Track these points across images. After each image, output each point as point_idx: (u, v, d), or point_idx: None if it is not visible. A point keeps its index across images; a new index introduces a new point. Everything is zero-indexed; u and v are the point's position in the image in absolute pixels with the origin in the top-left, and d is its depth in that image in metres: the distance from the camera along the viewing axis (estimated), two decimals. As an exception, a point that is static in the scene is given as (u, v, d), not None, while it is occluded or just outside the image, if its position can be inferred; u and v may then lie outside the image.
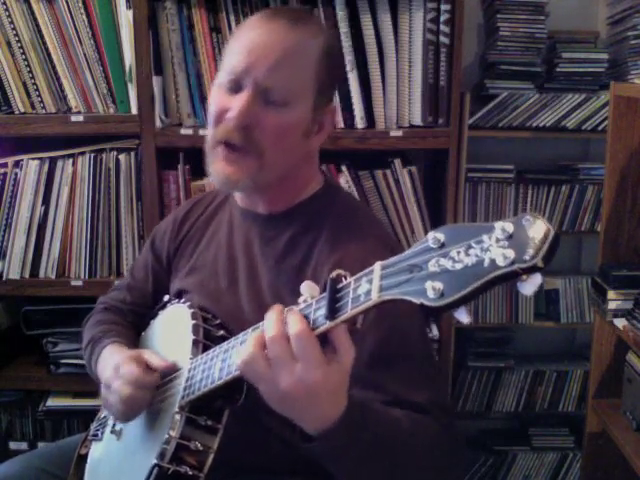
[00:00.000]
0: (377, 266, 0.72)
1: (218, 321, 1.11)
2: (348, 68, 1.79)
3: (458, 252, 0.65)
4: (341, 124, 1.82)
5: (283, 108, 1.05)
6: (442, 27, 1.78)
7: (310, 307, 0.79)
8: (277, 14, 1.10)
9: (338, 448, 0.83)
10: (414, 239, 1.88)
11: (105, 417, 1.27)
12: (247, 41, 1.06)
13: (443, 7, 1.76)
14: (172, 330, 1.17)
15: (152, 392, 1.06)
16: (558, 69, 2.02)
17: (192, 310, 1.11)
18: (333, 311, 0.75)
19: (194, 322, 1.08)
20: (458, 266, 0.64)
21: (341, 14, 1.77)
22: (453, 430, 1.00)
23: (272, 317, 0.79)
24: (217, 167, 1.09)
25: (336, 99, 1.04)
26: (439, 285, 0.64)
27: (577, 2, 2.14)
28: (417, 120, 1.84)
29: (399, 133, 1.82)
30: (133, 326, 1.31)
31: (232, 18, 1.79)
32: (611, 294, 1.73)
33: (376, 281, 0.71)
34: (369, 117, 1.83)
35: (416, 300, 0.66)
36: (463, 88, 1.87)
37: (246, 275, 1.15)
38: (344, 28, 1.77)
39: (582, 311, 2.15)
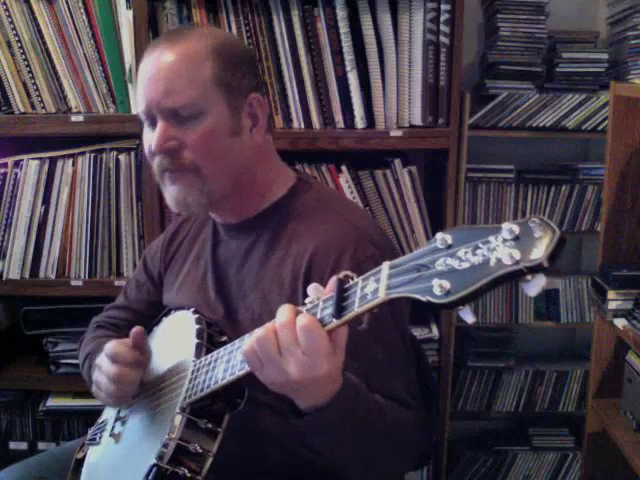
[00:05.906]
0: (385, 265, 0.74)
1: (218, 328, 1.13)
2: (348, 68, 1.79)
3: (465, 252, 0.66)
4: (341, 124, 1.83)
5: (198, 119, 1.07)
6: (442, 27, 1.78)
7: (317, 307, 0.82)
8: (157, 42, 1.13)
9: (327, 424, 0.87)
10: (414, 239, 1.88)
11: (104, 422, 1.27)
12: (142, 78, 1.10)
13: (443, 7, 1.76)
14: (176, 334, 1.18)
15: (139, 371, 1.11)
16: (558, 69, 2.01)
17: (196, 315, 1.13)
18: (340, 310, 0.78)
19: (198, 327, 1.09)
20: (465, 265, 0.66)
21: (341, 14, 1.77)
22: (420, 419, 1.06)
23: (284, 309, 0.83)
24: (167, 192, 1.12)
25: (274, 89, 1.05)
26: (446, 283, 0.66)
27: (577, 2, 2.14)
28: (417, 120, 1.84)
29: (399, 133, 1.82)
30: None
31: (232, 18, 1.79)
32: (611, 294, 1.73)
33: (384, 280, 0.73)
34: (369, 117, 1.83)
35: (422, 298, 0.68)
36: (463, 88, 1.87)
37: (235, 283, 1.17)
38: (344, 28, 1.77)
39: (582, 311, 2.15)
